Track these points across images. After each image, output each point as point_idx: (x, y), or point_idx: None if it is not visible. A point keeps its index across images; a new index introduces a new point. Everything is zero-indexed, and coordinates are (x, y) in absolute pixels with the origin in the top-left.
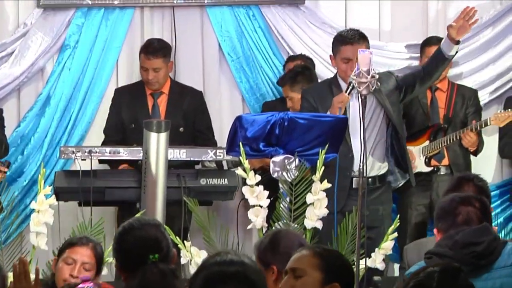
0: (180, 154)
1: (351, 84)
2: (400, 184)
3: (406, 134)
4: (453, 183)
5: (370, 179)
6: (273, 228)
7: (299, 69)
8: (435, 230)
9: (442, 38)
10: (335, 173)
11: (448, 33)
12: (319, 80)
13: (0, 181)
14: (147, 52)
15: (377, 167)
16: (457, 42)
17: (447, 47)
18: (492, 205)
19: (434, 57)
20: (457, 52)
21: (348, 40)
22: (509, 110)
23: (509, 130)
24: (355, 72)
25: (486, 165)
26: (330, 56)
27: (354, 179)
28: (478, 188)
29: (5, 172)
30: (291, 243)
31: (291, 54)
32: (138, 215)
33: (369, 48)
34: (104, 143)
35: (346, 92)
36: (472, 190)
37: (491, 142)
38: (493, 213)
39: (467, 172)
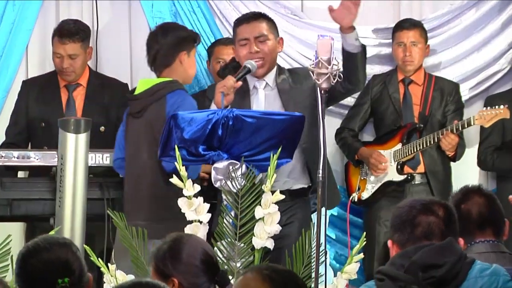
0: (103, 159)
1: (245, 68)
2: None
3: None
4: (460, 196)
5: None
6: (215, 247)
7: None
8: (389, 242)
9: (417, 22)
10: None
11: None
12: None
13: None
14: (62, 35)
15: (283, 181)
16: (350, 29)
17: (343, 40)
18: None
19: (342, 57)
20: (363, 46)
21: (243, 20)
22: (496, 107)
23: (488, 136)
24: (313, 61)
25: (468, 174)
26: (232, 48)
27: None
28: (490, 199)
29: None
30: (194, 250)
31: None
32: (52, 232)
33: (277, 32)
34: (2, 146)
35: (236, 76)
36: (482, 201)
37: (474, 145)
38: None
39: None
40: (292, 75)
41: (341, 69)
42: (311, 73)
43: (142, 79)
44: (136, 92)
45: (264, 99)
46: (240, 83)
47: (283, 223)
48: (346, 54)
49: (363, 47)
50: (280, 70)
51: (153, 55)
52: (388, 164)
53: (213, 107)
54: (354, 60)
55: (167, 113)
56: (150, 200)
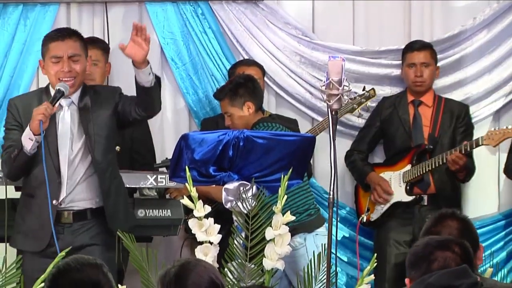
0: None
1: (60, 92)
2: None
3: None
4: (433, 220)
5: (71, 214)
6: (225, 269)
7: (240, 80)
8: (406, 280)
9: (427, 43)
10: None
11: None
12: (265, 93)
13: None
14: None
15: (88, 200)
16: (144, 63)
17: (137, 74)
18: (495, 237)
19: (136, 90)
20: (157, 78)
21: (56, 36)
22: (506, 127)
23: None
24: (324, 82)
25: (479, 194)
26: (40, 61)
27: (66, 212)
28: (463, 223)
29: None
30: (200, 278)
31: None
32: (61, 254)
33: (87, 52)
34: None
35: (52, 101)
36: (454, 224)
37: (490, 164)
38: (496, 247)
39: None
40: (95, 94)
41: None
42: (113, 93)
43: None
44: None
45: (70, 117)
46: (56, 106)
47: (86, 243)
48: (140, 88)
49: (158, 79)
50: (86, 88)
51: None
52: (391, 195)
53: (28, 132)
54: (149, 93)
55: None
56: None
